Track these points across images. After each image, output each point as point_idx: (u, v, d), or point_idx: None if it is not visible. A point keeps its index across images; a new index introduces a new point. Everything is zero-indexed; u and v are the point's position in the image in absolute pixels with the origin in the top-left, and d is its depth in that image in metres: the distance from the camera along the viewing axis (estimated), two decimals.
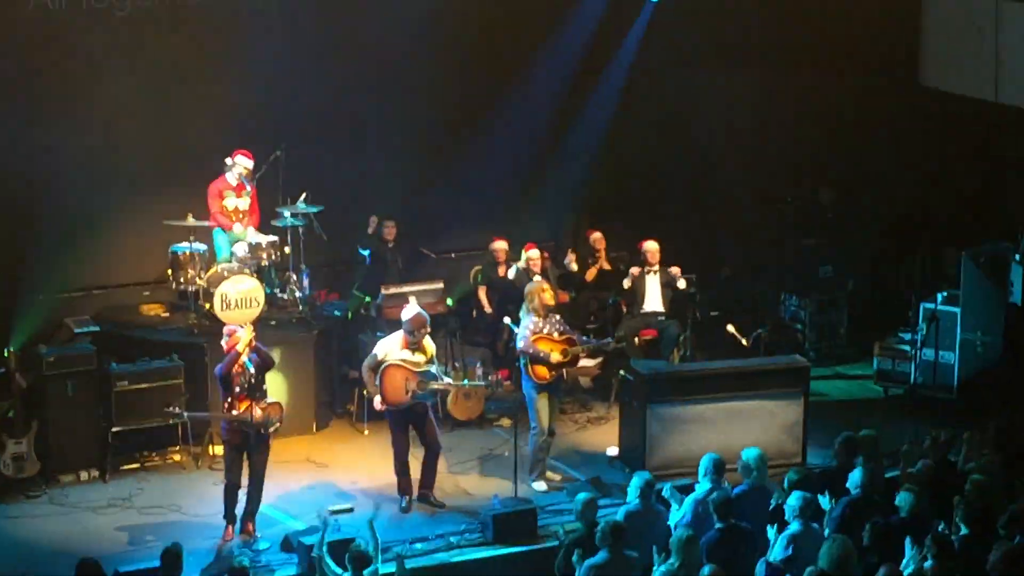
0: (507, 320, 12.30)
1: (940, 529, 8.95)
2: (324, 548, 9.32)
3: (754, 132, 15.29)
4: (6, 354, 12.28)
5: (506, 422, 12.92)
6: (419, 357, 11.18)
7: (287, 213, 12.96)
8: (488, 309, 13.80)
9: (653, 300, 13.63)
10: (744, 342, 12.84)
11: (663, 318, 13.59)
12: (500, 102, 14.47)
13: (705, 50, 14.98)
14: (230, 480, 10.70)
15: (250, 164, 12.83)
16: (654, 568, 8.84)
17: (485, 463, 12.25)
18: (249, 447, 10.67)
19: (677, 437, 11.70)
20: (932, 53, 15.14)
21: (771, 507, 9.72)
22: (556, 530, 10.42)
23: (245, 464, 10.75)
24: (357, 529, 10.14)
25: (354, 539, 9.32)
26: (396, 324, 11.47)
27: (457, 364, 13.17)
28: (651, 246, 13.62)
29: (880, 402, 13.69)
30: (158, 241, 12.88)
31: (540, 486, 11.65)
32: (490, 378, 12.56)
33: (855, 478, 9.66)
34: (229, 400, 10.60)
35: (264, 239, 12.87)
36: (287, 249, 13.00)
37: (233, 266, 12.67)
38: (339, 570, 9.06)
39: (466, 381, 12.41)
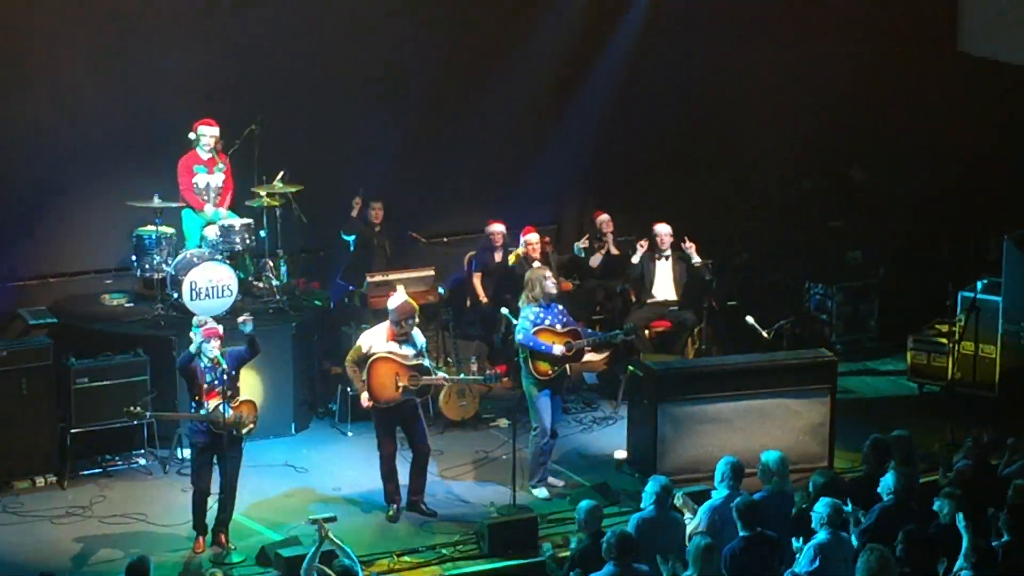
0: (504, 311, 12.24)
1: (968, 537, 8.90)
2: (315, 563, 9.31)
3: (776, 105, 15.27)
4: None
5: (503, 422, 12.89)
6: (408, 350, 11.12)
7: (263, 193, 12.86)
8: (483, 299, 13.76)
9: (664, 288, 13.59)
10: (765, 334, 12.77)
11: (676, 308, 13.54)
12: (496, 71, 14.45)
13: (721, 15, 14.90)
14: (198, 487, 10.64)
15: (215, 132, 12.74)
16: None
17: (481, 468, 12.20)
18: (220, 450, 10.58)
19: (691, 439, 11.68)
20: (972, 17, 15.08)
21: (794, 515, 9.66)
22: (544, 547, 10.40)
23: (216, 469, 10.68)
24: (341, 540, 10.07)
25: (334, 552, 9.26)
26: (382, 315, 11.44)
27: (450, 359, 13.12)
28: (662, 229, 13.59)
29: (914, 400, 13.70)
30: (121, 224, 12.83)
31: (541, 493, 11.61)
32: (488, 372, 12.50)
33: (887, 483, 9.61)
34: (197, 397, 10.51)
35: (238, 221, 12.79)
36: (263, 233, 12.91)
37: (204, 252, 12.59)
38: None
39: (463, 375, 12.36)
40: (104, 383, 11.88)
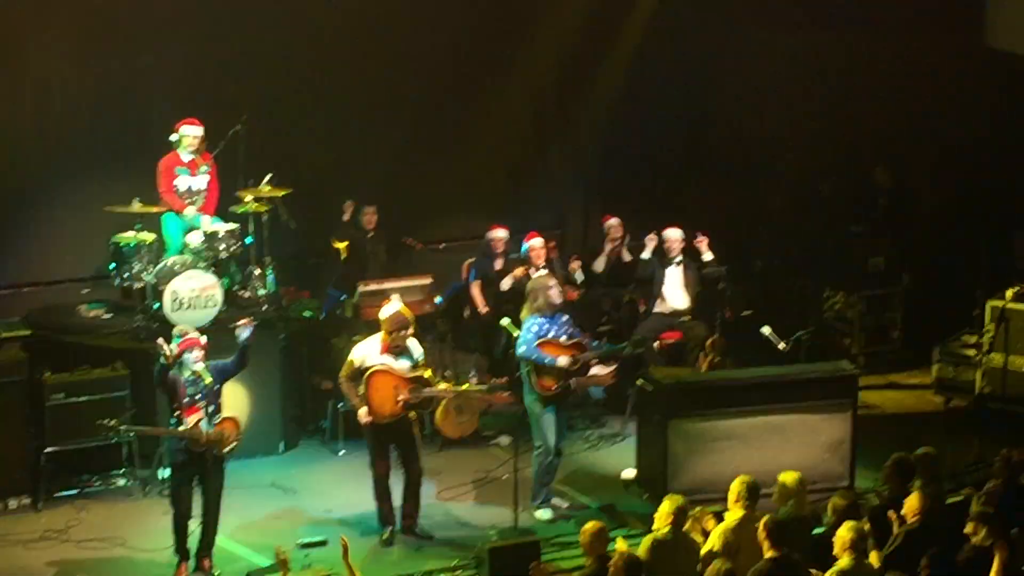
0: (505, 321, 12.24)
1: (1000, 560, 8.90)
2: None
3: (795, 101, 15.29)
4: None
5: (505, 440, 12.91)
6: (403, 363, 11.12)
7: (249, 197, 12.88)
8: (483, 309, 13.76)
9: (675, 296, 13.60)
10: (781, 346, 12.78)
11: (687, 318, 13.55)
12: (497, 69, 14.47)
13: (737, 4, 14.92)
14: (178, 509, 10.63)
15: (198, 131, 12.73)
16: None
17: (481, 488, 12.21)
18: (201, 470, 10.58)
19: (703, 457, 11.67)
20: (1001, 10, 15.09)
21: (814, 539, 9.64)
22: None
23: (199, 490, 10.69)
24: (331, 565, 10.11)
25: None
26: (375, 326, 11.43)
27: (447, 373, 13.12)
28: (673, 234, 13.59)
29: (940, 415, 13.71)
30: (98, 230, 12.82)
31: (544, 514, 11.62)
32: (492, 381, 12.49)
33: (911, 504, 9.60)
34: (178, 413, 10.51)
35: (222, 227, 12.80)
36: (249, 239, 12.92)
37: (186, 259, 12.60)
38: None
39: (467, 386, 12.34)
40: (81, 399, 11.87)
